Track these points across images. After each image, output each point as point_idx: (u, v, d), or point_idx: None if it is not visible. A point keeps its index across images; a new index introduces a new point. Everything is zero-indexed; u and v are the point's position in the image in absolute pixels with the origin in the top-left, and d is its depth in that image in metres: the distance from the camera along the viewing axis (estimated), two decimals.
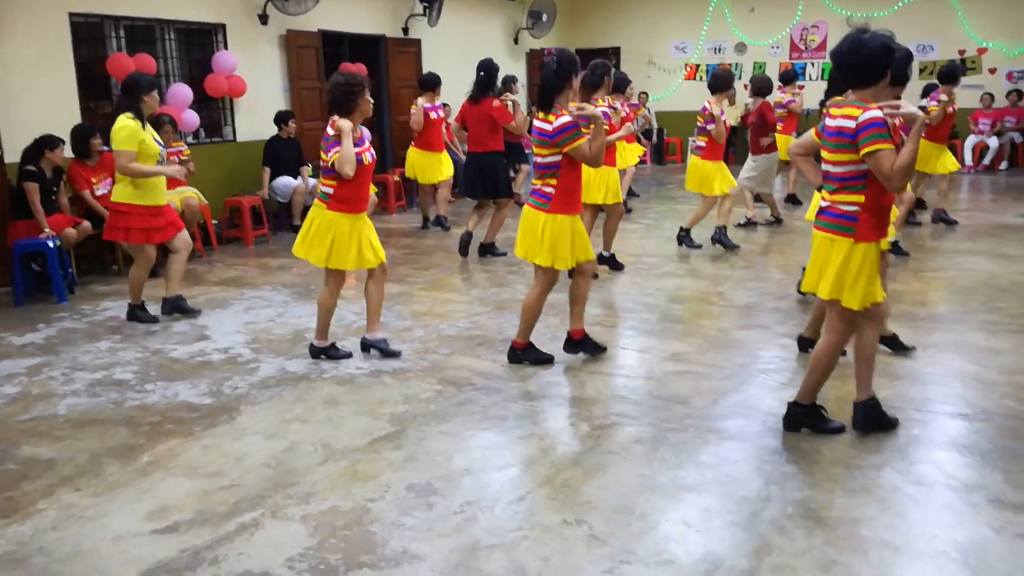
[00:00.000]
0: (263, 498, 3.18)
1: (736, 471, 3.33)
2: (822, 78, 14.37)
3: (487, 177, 7.47)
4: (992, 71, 13.56)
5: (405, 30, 11.63)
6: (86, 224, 6.74)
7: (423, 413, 3.97)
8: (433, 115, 8.73)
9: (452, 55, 12.00)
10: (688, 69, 15.24)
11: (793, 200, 10.19)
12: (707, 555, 2.72)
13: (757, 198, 8.82)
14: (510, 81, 9.13)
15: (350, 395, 4.24)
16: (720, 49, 15.21)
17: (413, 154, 9.07)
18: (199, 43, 8.99)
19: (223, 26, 8.95)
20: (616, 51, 15.69)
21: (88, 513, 3.11)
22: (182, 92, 8.29)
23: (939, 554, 2.71)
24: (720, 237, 7.61)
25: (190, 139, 8.59)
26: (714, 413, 3.91)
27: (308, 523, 2.98)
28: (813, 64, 14.59)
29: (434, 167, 9.01)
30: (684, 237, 7.73)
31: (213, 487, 3.28)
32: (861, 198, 3.26)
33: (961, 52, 13.58)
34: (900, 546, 2.75)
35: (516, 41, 14.39)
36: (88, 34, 7.78)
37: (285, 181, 9.04)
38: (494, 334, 5.19)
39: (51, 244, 6.25)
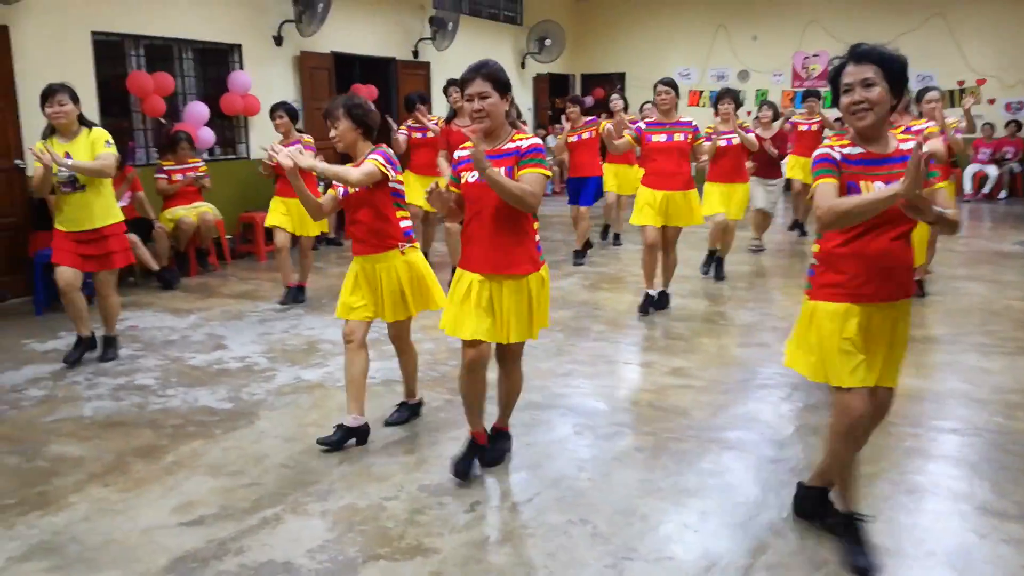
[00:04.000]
0: (283, 495, 3.34)
1: (734, 478, 3.49)
2: (824, 106, 14.64)
3: None
4: (991, 102, 13.81)
5: (415, 53, 11.90)
6: None
7: (434, 420, 4.14)
8: (417, 135, 7.75)
9: None
10: (691, 95, 15.51)
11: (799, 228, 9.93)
12: (705, 553, 2.88)
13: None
14: (416, 101, 7.89)
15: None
16: (723, 76, 15.48)
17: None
18: (215, 62, 9.24)
19: (239, 46, 9.21)
20: (621, 76, 15.97)
21: (117, 507, 3.27)
22: (198, 110, 8.52)
23: (927, 556, 2.87)
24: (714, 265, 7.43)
25: (206, 155, 8.81)
26: (714, 425, 4.07)
27: (327, 518, 3.14)
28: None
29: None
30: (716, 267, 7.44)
31: (235, 485, 3.44)
32: (816, 246, 2.77)
33: (960, 83, 13.84)
34: (890, 549, 2.90)
35: (523, 66, 14.68)
36: (109, 52, 8.02)
37: None
38: None
39: None
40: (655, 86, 6.03)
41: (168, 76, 8.15)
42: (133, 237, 7.08)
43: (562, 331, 5.69)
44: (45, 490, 3.43)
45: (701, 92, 15.54)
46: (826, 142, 2.71)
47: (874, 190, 2.52)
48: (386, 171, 3.63)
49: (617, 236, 9.45)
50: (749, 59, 15.26)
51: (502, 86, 3.15)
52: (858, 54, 2.53)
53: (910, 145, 2.50)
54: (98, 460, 3.71)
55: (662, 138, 5.97)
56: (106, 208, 5.01)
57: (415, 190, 7.11)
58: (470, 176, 3.19)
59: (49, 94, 4.84)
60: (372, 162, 3.61)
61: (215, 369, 5.01)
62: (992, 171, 13.39)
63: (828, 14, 14.42)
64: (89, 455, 3.77)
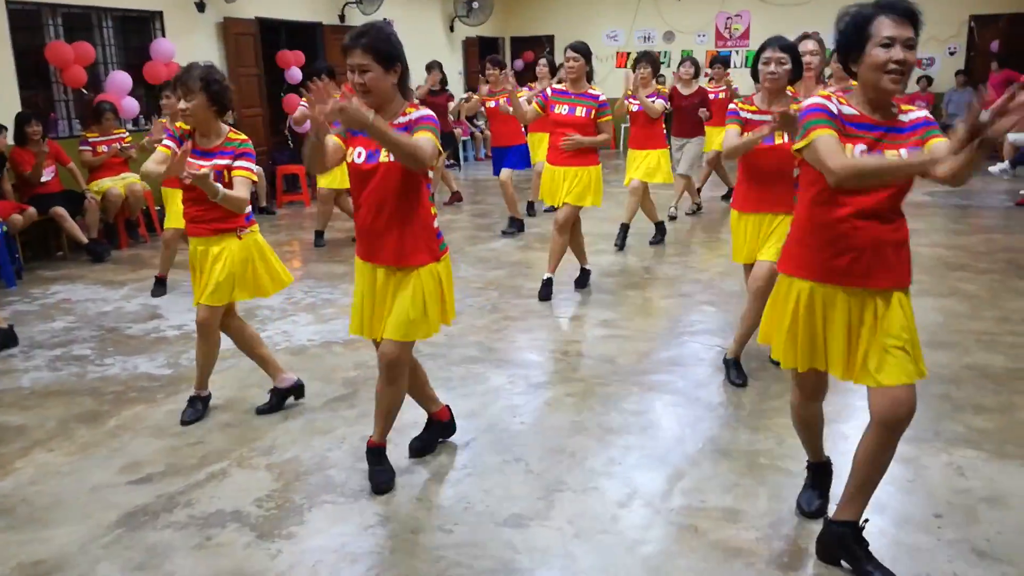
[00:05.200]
0: (228, 452, 3.47)
1: (655, 417, 3.75)
2: (745, 65, 15.02)
3: None
4: None
5: (342, 17, 11.80)
6: (32, 210, 6.84)
7: (373, 377, 4.22)
8: None
9: None
10: (619, 57, 15.73)
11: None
12: (627, 482, 3.13)
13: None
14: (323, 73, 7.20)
15: (303, 363, 4.53)
16: (649, 38, 15.72)
17: None
18: (136, 30, 9.05)
19: (160, 13, 9.03)
20: (550, 39, 16.08)
21: (64, 470, 3.36)
22: (121, 79, 8.35)
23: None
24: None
25: (131, 126, 8.67)
26: (638, 370, 4.33)
27: (272, 470, 3.30)
28: (737, 52, 15.21)
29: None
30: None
31: (181, 444, 3.56)
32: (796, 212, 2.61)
33: None
34: (792, 470, 3.19)
35: (452, 29, 14.65)
36: (25, 22, 7.80)
37: None
38: None
39: None
40: (564, 51, 5.41)
41: (88, 45, 7.95)
42: (60, 210, 7.03)
43: (496, 289, 5.88)
44: None
45: (628, 54, 15.76)
46: (823, 91, 2.49)
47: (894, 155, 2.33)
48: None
49: (531, 205, 9.13)
50: (674, 20, 15.52)
51: (385, 57, 2.75)
52: (902, 8, 2.27)
53: (916, 115, 2.39)
54: (41, 427, 3.78)
55: (564, 110, 5.36)
56: None
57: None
58: (357, 154, 2.89)
59: None
60: (430, 134, 2.81)
61: (152, 337, 5.06)
62: None
63: None
64: (31, 423, 3.83)
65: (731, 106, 4.00)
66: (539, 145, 8.20)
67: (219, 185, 3.42)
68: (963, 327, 4.87)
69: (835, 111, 2.37)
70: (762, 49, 3.80)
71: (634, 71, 7.04)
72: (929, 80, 14.11)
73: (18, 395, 4.19)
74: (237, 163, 3.56)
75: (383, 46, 2.75)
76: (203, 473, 3.29)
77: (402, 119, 2.84)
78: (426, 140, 2.75)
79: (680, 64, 8.31)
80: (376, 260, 2.94)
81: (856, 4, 2.34)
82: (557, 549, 2.72)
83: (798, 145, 2.42)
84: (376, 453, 3.19)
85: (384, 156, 2.81)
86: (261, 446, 3.52)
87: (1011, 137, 10.57)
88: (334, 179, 7.20)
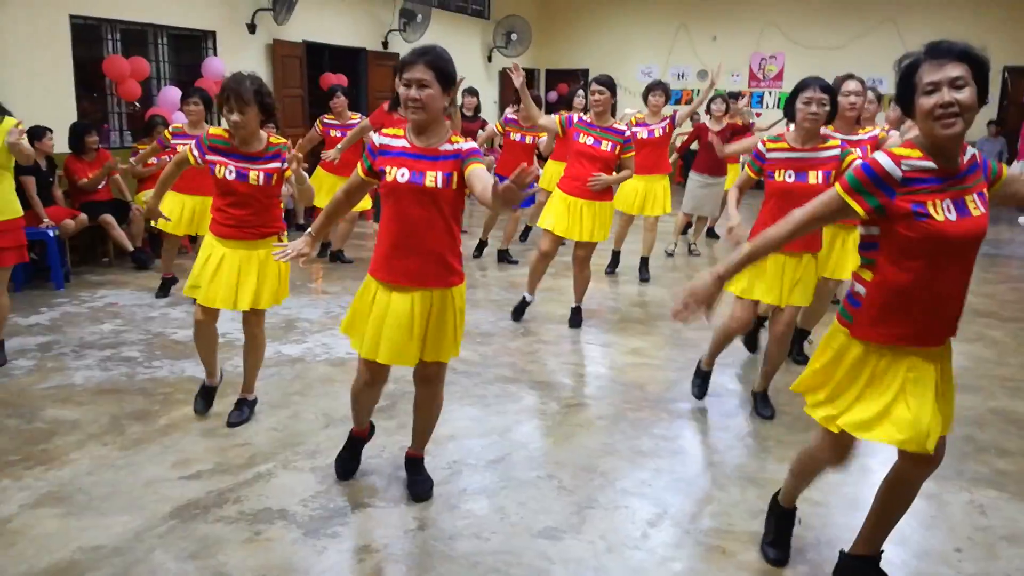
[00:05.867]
0: (274, 454, 3.63)
1: (685, 443, 3.87)
2: (779, 107, 15.19)
3: None
4: None
5: (385, 44, 12.13)
6: (83, 216, 7.09)
7: (410, 391, 4.41)
8: (338, 133, 7.53)
9: None
10: None
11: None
12: (658, 502, 3.25)
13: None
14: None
15: (343, 375, 4.69)
16: (684, 75, 15.96)
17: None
18: (189, 48, 9.38)
19: (213, 33, 9.36)
20: (585, 73, 16.36)
21: (118, 463, 3.53)
22: (173, 95, 8.65)
23: (848, 507, 3.26)
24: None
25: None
26: (667, 397, 4.44)
27: (316, 473, 3.45)
28: (771, 93, 15.40)
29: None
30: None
31: (229, 444, 3.72)
32: (869, 275, 2.38)
33: None
34: (819, 501, 3.29)
35: (490, 59, 14.97)
36: (86, 36, 8.14)
37: None
38: (471, 327, 5.67)
39: (51, 234, 6.60)
40: (590, 83, 5.41)
41: (144, 61, 8.29)
42: (108, 218, 7.29)
43: (528, 314, 6.03)
44: (47, 448, 3.67)
45: None
46: (897, 146, 2.30)
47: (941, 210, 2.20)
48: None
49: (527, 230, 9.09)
50: (708, 58, 15.74)
51: (445, 78, 2.77)
52: (941, 50, 2.17)
53: (968, 156, 2.27)
54: (95, 422, 3.96)
55: (589, 141, 5.30)
56: (5, 201, 4.60)
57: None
58: (400, 174, 2.83)
59: None
60: (483, 166, 2.86)
61: None
62: None
63: (784, 17, 14.97)
64: (85, 418, 4.01)
65: (758, 145, 3.96)
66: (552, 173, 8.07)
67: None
68: (989, 372, 4.94)
69: (898, 175, 2.19)
70: (802, 88, 3.79)
71: (646, 99, 7.07)
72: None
73: (71, 391, 4.38)
74: (287, 164, 3.67)
75: (445, 66, 2.78)
76: (250, 472, 3.44)
77: (450, 146, 2.85)
78: (486, 173, 2.80)
79: (711, 101, 8.39)
80: (423, 284, 2.90)
81: (907, 53, 2.26)
82: (590, 561, 2.83)
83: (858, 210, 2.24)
84: (415, 463, 3.34)
85: (431, 180, 2.82)
86: (305, 450, 3.67)
87: None
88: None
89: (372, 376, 3.12)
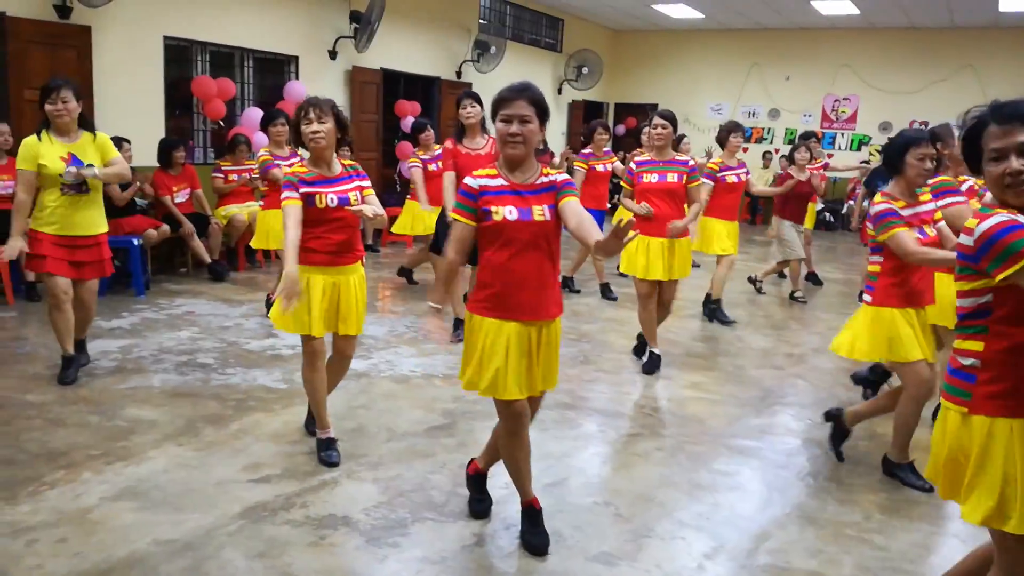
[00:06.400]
0: (339, 463, 3.74)
1: (744, 479, 3.85)
2: (851, 148, 15.02)
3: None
4: None
5: (458, 73, 12.41)
6: (165, 227, 7.42)
7: (471, 411, 4.53)
8: (432, 167, 7.22)
9: None
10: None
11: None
12: (715, 536, 3.25)
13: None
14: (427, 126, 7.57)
15: (406, 392, 4.81)
16: (755, 113, 15.91)
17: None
18: (273, 71, 9.77)
19: (296, 58, 9.74)
20: (653, 107, 16.40)
21: (192, 463, 3.68)
22: (255, 115, 9.01)
23: (917, 555, 3.21)
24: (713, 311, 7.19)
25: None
26: (727, 432, 4.43)
27: (379, 484, 3.54)
28: (843, 135, 15.23)
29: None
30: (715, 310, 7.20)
31: (296, 451, 3.85)
32: (980, 345, 2.17)
33: None
34: (878, 544, 3.25)
35: (560, 91, 15.16)
36: (177, 56, 8.56)
37: None
38: None
39: (135, 243, 6.92)
40: (652, 118, 5.41)
41: (230, 82, 8.66)
42: (190, 229, 7.60)
43: (589, 343, 6.08)
44: (127, 445, 3.85)
45: None
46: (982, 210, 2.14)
47: None
48: None
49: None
50: (780, 98, 15.68)
51: (543, 113, 2.86)
52: (1006, 114, 2.07)
53: None
54: (171, 423, 4.14)
55: (653, 178, 5.29)
56: (102, 215, 4.75)
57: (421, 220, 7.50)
58: (508, 212, 2.83)
59: (53, 89, 4.43)
60: (577, 199, 2.95)
61: (269, 354, 5.43)
62: None
63: (861, 59, 14.83)
64: (162, 419, 4.19)
65: (886, 207, 3.60)
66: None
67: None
68: None
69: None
70: (914, 143, 3.57)
71: (726, 140, 7.01)
72: None
73: (149, 393, 4.58)
74: (365, 183, 3.76)
75: (543, 103, 2.84)
76: (316, 480, 3.56)
77: (544, 179, 2.90)
78: (580, 208, 2.85)
79: (795, 150, 8.25)
80: (537, 317, 2.90)
81: (971, 111, 2.18)
82: None
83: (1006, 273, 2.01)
84: (479, 480, 3.39)
85: (539, 214, 2.85)
86: (368, 462, 3.78)
87: None
88: (406, 227, 7.78)
89: (523, 419, 3.00)
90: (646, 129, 8.92)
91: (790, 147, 8.86)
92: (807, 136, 9.34)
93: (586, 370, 5.45)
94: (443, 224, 5.95)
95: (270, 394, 4.64)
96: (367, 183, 3.78)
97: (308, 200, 3.57)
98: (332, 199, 3.61)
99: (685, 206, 5.41)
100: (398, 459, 3.83)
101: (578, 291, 8.03)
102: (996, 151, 2.07)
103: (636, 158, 5.53)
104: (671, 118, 5.35)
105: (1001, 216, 2.04)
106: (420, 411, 4.49)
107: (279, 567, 2.85)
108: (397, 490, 3.50)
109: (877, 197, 3.72)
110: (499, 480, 3.59)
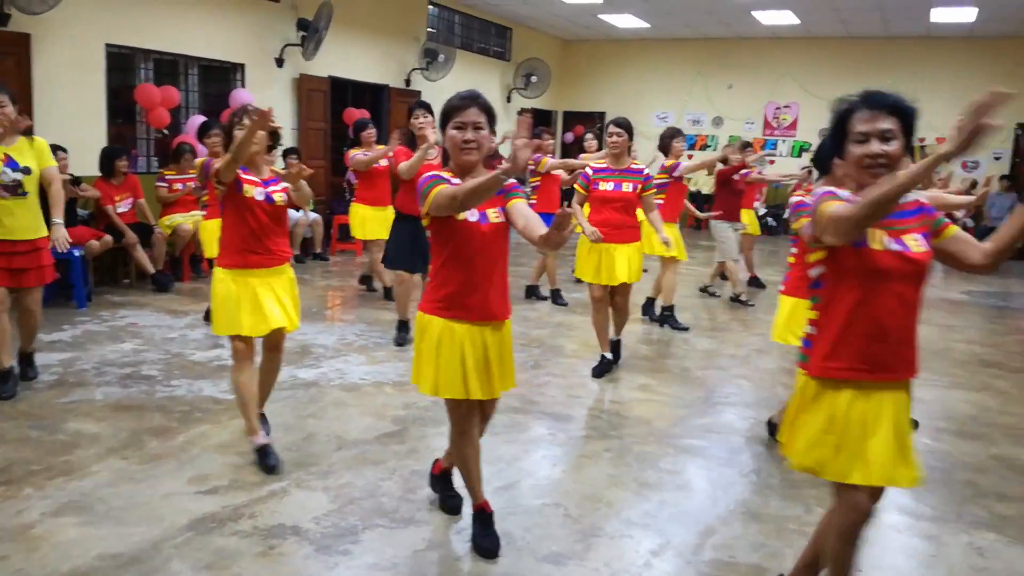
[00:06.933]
0: (287, 473, 3.72)
1: (690, 477, 3.94)
2: (792, 155, 15.39)
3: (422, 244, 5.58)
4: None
5: (407, 82, 12.41)
6: (108, 237, 7.28)
7: (422, 417, 4.54)
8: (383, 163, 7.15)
9: None
10: None
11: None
12: (661, 533, 3.32)
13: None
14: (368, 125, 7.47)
15: (356, 400, 4.80)
16: (699, 121, 16.21)
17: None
18: (218, 79, 9.66)
19: (242, 66, 9.64)
20: (601, 116, 16.63)
21: (137, 476, 3.63)
22: (200, 123, 8.90)
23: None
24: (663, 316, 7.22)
25: None
26: (673, 433, 4.52)
27: (329, 492, 3.54)
28: (784, 141, 15.60)
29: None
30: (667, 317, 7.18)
31: (243, 463, 3.82)
32: (815, 314, 2.49)
33: (921, 140, 14.65)
34: None
35: (509, 100, 15.25)
36: (120, 64, 8.42)
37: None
38: None
39: (76, 254, 6.78)
40: (607, 126, 5.48)
41: (174, 90, 8.54)
42: (133, 239, 7.47)
43: (539, 347, 6.14)
44: (69, 459, 3.78)
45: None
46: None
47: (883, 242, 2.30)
48: None
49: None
50: (724, 106, 15.99)
51: (492, 119, 2.94)
52: (875, 101, 2.28)
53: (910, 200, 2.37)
54: (114, 437, 4.07)
55: (609, 187, 5.34)
56: (40, 219, 4.64)
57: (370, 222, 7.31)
58: (469, 215, 2.88)
59: None
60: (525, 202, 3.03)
61: (215, 365, 5.37)
62: None
63: (801, 68, 15.21)
64: (105, 432, 4.12)
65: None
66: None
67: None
68: (992, 420, 5.00)
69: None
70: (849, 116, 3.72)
71: (669, 146, 7.16)
72: (974, 183, 14.31)
73: (92, 406, 4.50)
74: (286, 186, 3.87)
75: (492, 110, 2.94)
76: (265, 490, 3.54)
77: None
78: (528, 208, 2.91)
79: (727, 147, 8.49)
80: (490, 317, 2.96)
81: (844, 97, 2.36)
82: None
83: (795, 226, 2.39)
84: (446, 479, 3.47)
85: (494, 216, 2.91)
86: (318, 471, 3.77)
87: None
88: (356, 230, 7.47)
89: (472, 418, 3.08)
90: (589, 136, 9.18)
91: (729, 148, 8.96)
92: (745, 145, 9.50)
93: (537, 374, 5.50)
94: (395, 236, 5.96)
95: (217, 405, 4.59)
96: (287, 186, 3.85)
97: (236, 186, 3.66)
98: (259, 192, 3.71)
99: (638, 212, 5.48)
100: (348, 467, 3.82)
101: (546, 298, 8.05)
102: (862, 134, 2.26)
103: (592, 164, 5.58)
104: (627, 126, 5.41)
105: (824, 189, 2.35)
106: (370, 418, 4.49)
107: None
108: (347, 498, 3.50)
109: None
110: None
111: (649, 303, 7.49)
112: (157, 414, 4.41)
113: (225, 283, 3.71)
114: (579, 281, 5.74)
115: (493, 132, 2.94)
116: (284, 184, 3.82)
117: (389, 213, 6.85)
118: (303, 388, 4.98)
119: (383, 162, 7.02)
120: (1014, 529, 3.51)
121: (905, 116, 2.28)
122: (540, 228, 2.79)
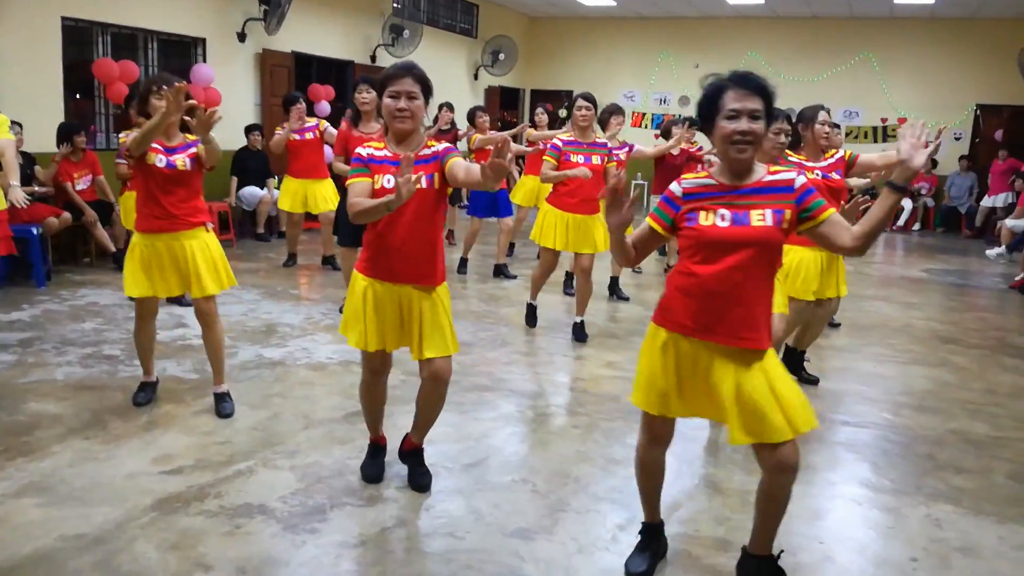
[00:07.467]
0: (254, 452, 3.70)
1: None
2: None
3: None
4: None
5: (373, 58, 12.26)
6: (67, 215, 7.13)
7: (390, 397, 4.48)
8: (295, 137, 7.60)
9: None
10: (635, 117, 16.21)
11: None
12: (628, 507, 3.34)
13: None
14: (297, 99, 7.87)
15: (323, 379, 4.77)
16: (666, 100, 16.24)
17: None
18: (179, 54, 9.45)
19: (203, 40, 9.45)
20: (568, 94, 16.56)
21: (100, 456, 3.58)
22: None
23: (811, 517, 3.39)
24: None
25: None
26: (639, 409, 4.54)
27: (296, 472, 3.52)
28: None
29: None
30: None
31: (209, 442, 3.78)
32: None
33: (884, 120, 14.85)
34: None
35: (476, 77, 15.15)
36: (77, 38, 8.20)
37: (251, 191, 9.52)
38: None
39: (34, 231, 6.63)
40: (575, 100, 5.73)
41: (133, 64, 8.34)
42: (92, 216, 7.32)
43: (507, 326, 6.14)
44: (29, 440, 3.71)
45: (644, 114, 16.26)
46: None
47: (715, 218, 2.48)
48: None
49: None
50: (690, 85, 16.02)
51: (428, 90, 3.05)
52: (746, 81, 2.42)
53: (781, 178, 2.49)
54: (76, 417, 4.01)
55: (579, 159, 5.59)
56: None
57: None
58: (386, 181, 3.00)
59: None
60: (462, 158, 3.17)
61: (179, 344, 5.30)
62: (907, 205, 14.35)
63: (765, 48, 15.28)
64: (67, 412, 4.06)
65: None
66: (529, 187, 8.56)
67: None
68: (950, 395, 5.11)
69: (679, 192, 2.54)
70: (775, 119, 3.75)
71: (607, 121, 7.02)
72: (934, 163, 14.53)
73: (53, 386, 4.42)
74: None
75: (427, 80, 3.05)
76: (231, 470, 3.51)
77: (427, 151, 3.08)
78: (465, 162, 3.04)
79: (672, 124, 8.55)
80: (405, 280, 3.09)
81: (714, 75, 2.50)
82: (560, 561, 2.93)
83: None
84: (418, 455, 3.48)
85: (417, 182, 2.93)
86: (284, 450, 3.74)
87: (1009, 223, 10.93)
88: (296, 203, 7.75)
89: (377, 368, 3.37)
90: (539, 111, 9.36)
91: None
92: (692, 122, 9.48)
93: (504, 352, 5.51)
94: (343, 213, 5.91)
95: (181, 385, 4.54)
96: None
97: (142, 154, 3.82)
98: (160, 159, 3.85)
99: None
100: (315, 446, 3.81)
101: (513, 277, 8.05)
102: (734, 111, 2.40)
103: (561, 137, 5.77)
104: (592, 100, 5.71)
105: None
106: (338, 397, 4.47)
107: (193, 558, 2.81)
108: (315, 476, 3.49)
109: None
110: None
111: (614, 282, 7.53)
112: (119, 394, 4.35)
113: (137, 247, 3.94)
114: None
115: (427, 103, 3.06)
116: (193, 150, 3.93)
117: (322, 186, 7.66)
118: (269, 367, 4.94)
119: (308, 135, 7.56)
120: (970, 500, 3.61)
121: (769, 99, 2.44)
122: (478, 169, 2.90)
